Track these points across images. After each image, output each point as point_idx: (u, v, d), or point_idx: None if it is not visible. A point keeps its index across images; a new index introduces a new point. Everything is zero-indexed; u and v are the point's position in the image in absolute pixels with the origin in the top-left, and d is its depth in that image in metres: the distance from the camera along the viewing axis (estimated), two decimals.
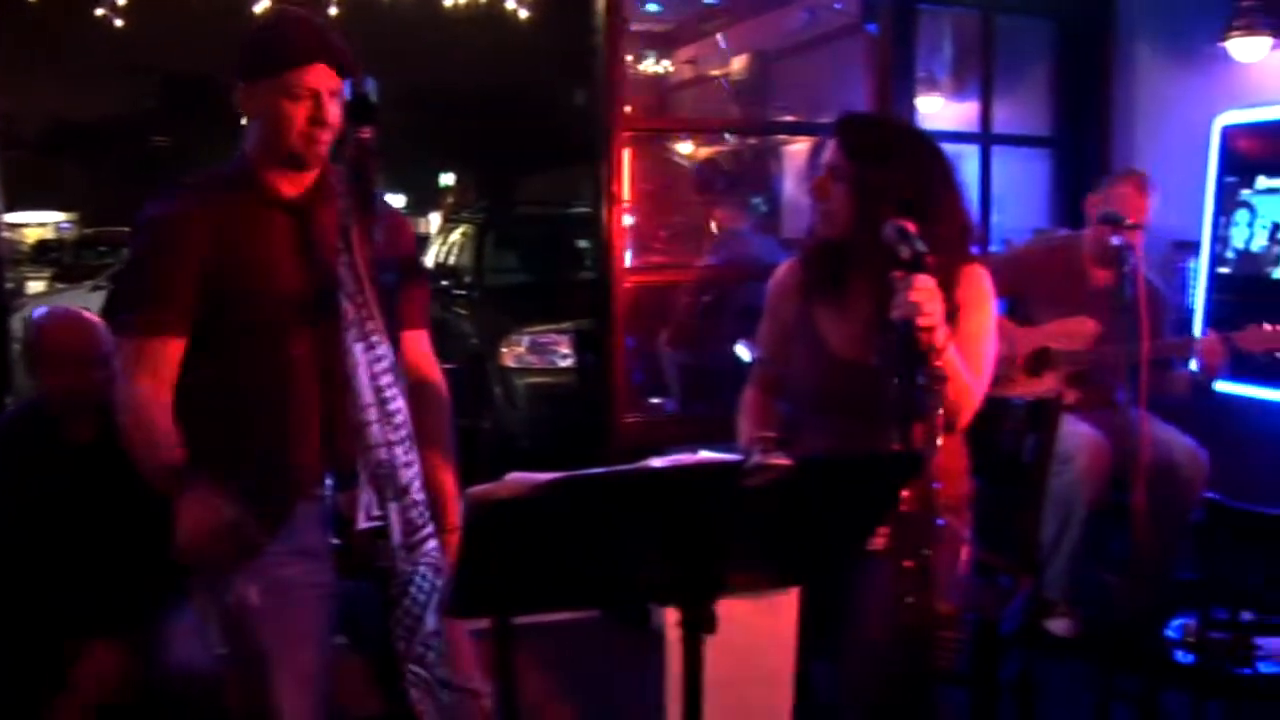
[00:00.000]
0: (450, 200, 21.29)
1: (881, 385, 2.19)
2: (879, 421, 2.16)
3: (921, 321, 2.14)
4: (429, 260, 9.62)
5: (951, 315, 2.48)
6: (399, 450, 2.05)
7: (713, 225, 6.18)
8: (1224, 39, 4.58)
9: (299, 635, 2.16)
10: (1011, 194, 5.81)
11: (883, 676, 2.13)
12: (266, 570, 2.14)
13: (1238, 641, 2.86)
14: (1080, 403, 4.19)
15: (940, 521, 2.07)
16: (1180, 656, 2.92)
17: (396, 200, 29.20)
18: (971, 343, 2.55)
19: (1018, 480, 3.02)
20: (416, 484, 2.07)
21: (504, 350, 6.98)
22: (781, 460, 1.53)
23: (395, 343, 2.08)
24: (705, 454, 1.58)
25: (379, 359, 2.06)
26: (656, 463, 1.55)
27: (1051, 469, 3.77)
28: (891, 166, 2.56)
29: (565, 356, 6.82)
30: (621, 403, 4.60)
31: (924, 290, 2.18)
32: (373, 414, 2.04)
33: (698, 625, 1.72)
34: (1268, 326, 3.87)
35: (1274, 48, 4.52)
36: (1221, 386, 4.49)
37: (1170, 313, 4.28)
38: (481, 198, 18.23)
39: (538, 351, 6.87)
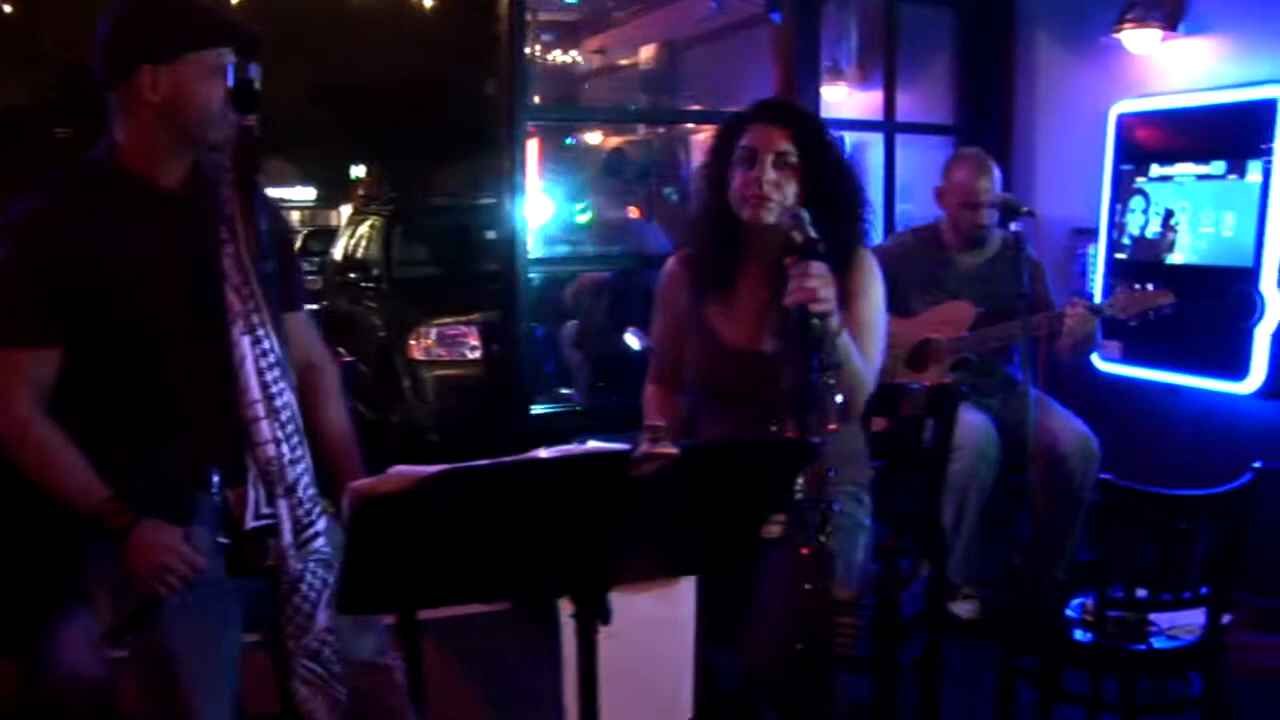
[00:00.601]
0: (361, 192, 21.08)
1: (776, 373, 2.19)
2: (775, 410, 2.16)
3: (816, 308, 2.15)
4: (337, 253, 9.50)
5: (843, 301, 2.50)
6: (285, 447, 2.01)
7: (628, 213, 6.19)
8: (1117, 30, 4.64)
9: (208, 633, 2.12)
10: (916, 182, 5.87)
11: (783, 663, 2.13)
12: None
13: (1133, 619, 2.91)
14: (967, 390, 4.24)
15: (837, 508, 2.07)
16: (1079, 635, 2.94)
17: (307, 192, 28.89)
18: (864, 328, 2.57)
19: (918, 465, 3.04)
20: (305, 480, 2.03)
21: (412, 343, 6.91)
22: (668, 449, 1.52)
23: (281, 334, 2.04)
24: (593, 444, 1.56)
25: (266, 353, 2.01)
26: (543, 453, 1.53)
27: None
28: (828, 156, 2.60)
29: (474, 348, 6.77)
30: (529, 394, 4.58)
31: (819, 277, 2.18)
32: (260, 410, 1.99)
33: (592, 616, 1.71)
34: (1136, 289, 3.93)
35: (1164, 39, 4.60)
36: (1110, 368, 4.59)
37: (1044, 276, 4.32)
38: (392, 189, 18.08)
39: (446, 344, 6.82)
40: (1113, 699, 2.90)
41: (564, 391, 5.95)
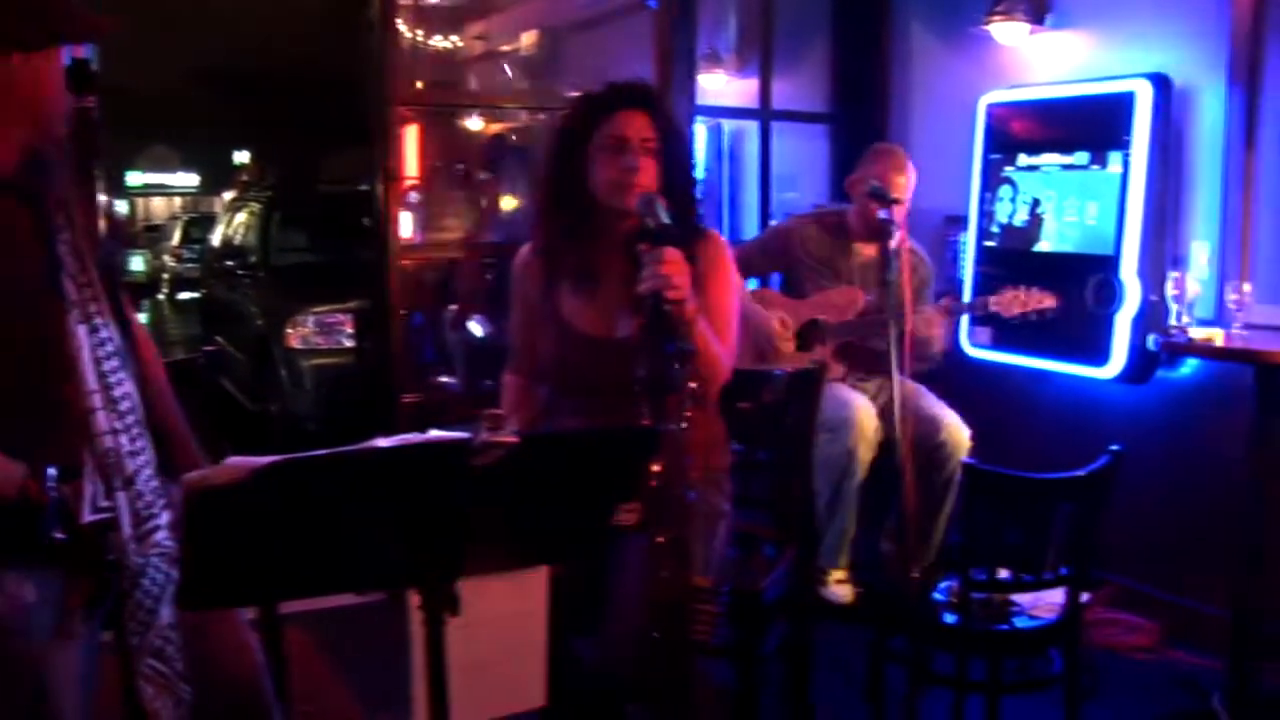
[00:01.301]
0: (244, 178, 20.69)
1: (631, 361, 2.18)
2: (630, 398, 2.15)
3: (671, 294, 2.14)
4: (215, 240, 9.31)
5: (697, 285, 2.50)
6: (125, 438, 1.93)
7: (503, 202, 6.15)
8: (987, 22, 4.71)
9: (68, 633, 2.00)
10: (793, 170, 5.92)
11: (640, 651, 2.12)
12: (35, 567, 1.96)
13: (996, 600, 2.96)
14: (850, 373, 4.30)
15: (692, 495, 2.06)
16: (946, 617, 2.98)
17: (189, 178, 28.25)
18: (716, 312, 2.58)
19: (782, 450, 3.05)
20: (146, 472, 1.95)
21: (290, 331, 6.80)
22: (506, 437, 1.50)
23: (123, 324, 1.96)
24: (435, 432, 1.54)
25: (103, 342, 1.93)
26: (382, 442, 1.50)
27: (822, 437, 3.91)
28: (682, 140, 2.60)
29: (351, 336, 6.68)
30: (403, 382, 4.53)
31: (673, 263, 2.17)
32: (97, 400, 1.90)
33: (439, 607, 1.68)
34: (1021, 290, 4.03)
35: (1032, 32, 4.69)
36: (980, 354, 4.67)
37: (932, 285, 4.41)
38: (274, 176, 17.75)
39: (324, 332, 6.71)
40: (981, 679, 2.95)
41: (442, 379, 5.88)
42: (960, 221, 4.95)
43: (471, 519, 1.61)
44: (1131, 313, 4.18)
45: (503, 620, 1.96)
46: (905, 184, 4.17)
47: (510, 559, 1.81)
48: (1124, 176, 4.18)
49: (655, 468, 2.01)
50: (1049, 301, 4.03)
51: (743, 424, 2.88)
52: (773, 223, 5.27)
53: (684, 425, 2.05)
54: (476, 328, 4.71)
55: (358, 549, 1.62)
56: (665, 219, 2.21)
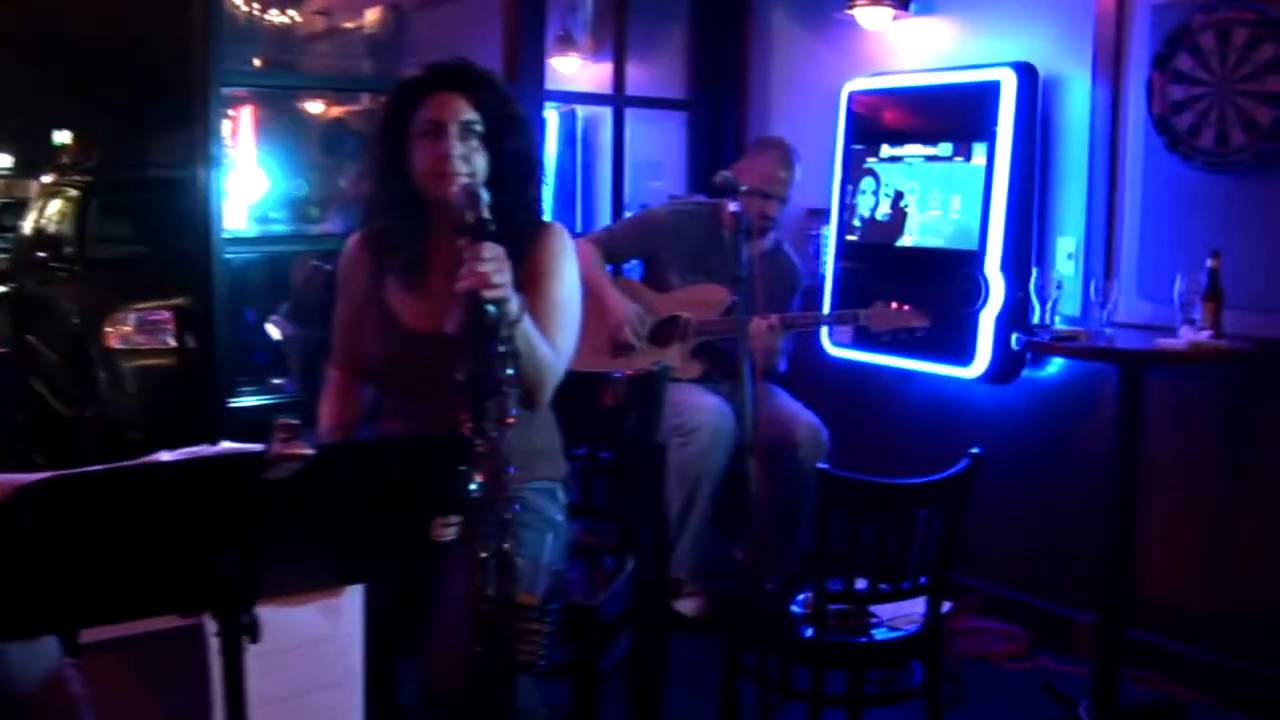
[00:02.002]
0: (65, 160, 20.07)
1: (458, 362, 2.17)
2: (457, 399, 2.14)
3: (489, 294, 2.13)
4: (26, 228, 9.01)
5: (531, 280, 2.50)
6: None
7: (340, 191, 6.07)
8: (850, 6, 4.78)
9: None
10: (649, 159, 5.94)
11: (463, 673, 2.11)
12: None
13: (853, 612, 3.00)
14: (707, 374, 4.34)
15: (517, 507, 2.06)
16: (805, 630, 3.01)
17: (3, 159, 27.31)
18: (552, 311, 2.58)
19: (622, 457, 3.09)
20: None
21: (109, 330, 6.60)
22: (300, 449, 1.48)
23: None
24: (226, 445, 1.51)
25: None
26: (165, 456, 1.47)
27: (675, 441, 3.95)
28: (516, 122, 2.57)
29: (176, 336, 6.51)
30: (230, 385, 4.45)
31: (491, 259, 2.17)
32: None
33: (237, 634, 1.66)
34: (894, 305, 4.11)
35: (896, 18, 4.76)
36: (841, 353, 4.74)
37: (798, 285, 4.46)
38: (98, 158, 17.27)
39: (146, 330, 6.53)
40: (841, 693, 2.99)
41: (276, 382, 5.79)
42: (822, 215, 5.02)
43: (268, 538, 1.59)
44: (996, 310, 4.27)
45: (313, 646, 1.95)
46: (789, 181, 4.22)
47: (317, 580, 1.79)
48: (988, 169, 4.28)
49: (476, 478, 2.01)
50: (921, 321, 4.12)
51: (582, 429, 2.88)
52: (640, 208, 5.28)
53: (507, 432, 2.04)
54: (274, 330, 4.65)
55: (144, 573, 1.58)
56: (486, 212, 2.20)
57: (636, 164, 5.81)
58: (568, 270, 2.66)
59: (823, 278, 4.91)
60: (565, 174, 6.40)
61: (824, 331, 4.79)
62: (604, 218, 5.78)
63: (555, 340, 2.55)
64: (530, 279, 2.55)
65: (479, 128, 2.53)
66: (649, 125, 5.84)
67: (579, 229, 6.43)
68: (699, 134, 5.48)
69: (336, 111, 7.84)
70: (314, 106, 8.01)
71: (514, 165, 2.56)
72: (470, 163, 2.52)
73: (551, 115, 6.32)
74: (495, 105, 2.55)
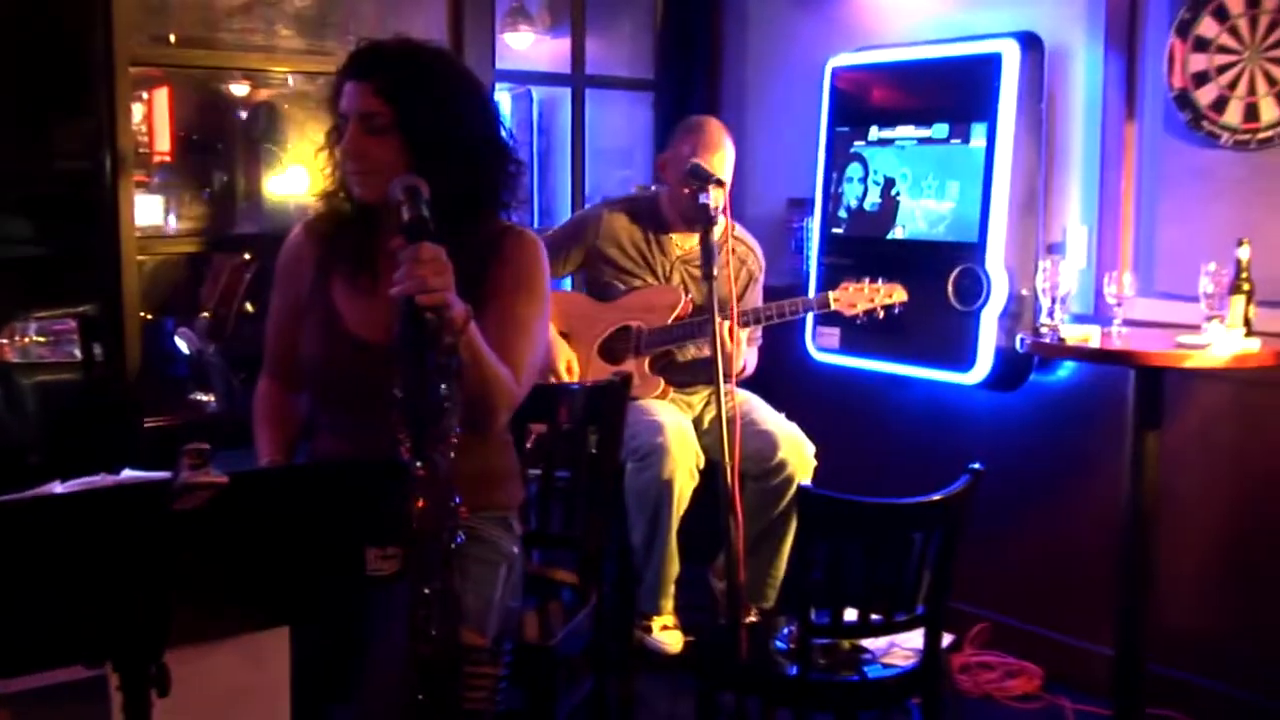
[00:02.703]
0: None
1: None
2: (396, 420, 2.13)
3: (426, 299, 2.13)
4: None
5: (495, 294, 2.52)
6: None
7: (268, 183, 6.04)
8: None
9: None
10: (613, 145, 5.93)
11: None
12: None
13: (843, 647, 3.00)
14: (673, 387, 4.34)
15: (460, 538, 2.05)
16: (789, 668, 3.01)
17: None
18: (514, 325, 2.59)
19: (579, 480, 3.10)
20: None
21: (3, 341, 6.54)
22: (214, 477, 1.46)
23: None
24: (129, 473, 1.50)
25: None
26: (58, 488, 1.45)
27: (630, 466, 3.94)
28: (442, 107, 2.55)
29: (83, 347, 6.46)
30: (147, 403, 4.41)
31: (429, 262, 2.16)
32: None
33: (144, 686, 1.64)
34: (865, 283, 4.12)
35: None
36: (826, 359, 4.74)
37: (759, 272, 4.45)
38: None
39: (48, 341, 6.47)
40: None
41: (198, 398, 5.75)
42: (805, 205, 5.03)
43: (178, 577, 1.57)
44: (998, 309, 4.29)
45: (234, 696, 1.93)
46: (724, 162, 4.21)
47: (237, 623, 1.77)
48: (989, 152, 4.29)
49: (416, 505, 1.99)
50: (898, 295, 4.12)
51: (539, 450, 2.88)
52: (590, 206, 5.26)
53: (450, 455, 2.03)
54: (183, 342, 4.62)
55: (36, 619, 1.56)
56: (424, 210, 2.19)
57: (600, 151, 5.80)
58: (536, 282, 2.67)
59: (806, 275, 4.91)
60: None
61: (808, 335, 4.80)
62: (563, 211, 5.77)
63: (515, 360, 2.55)
64: (495, 292, 2.57)
65: (382, 121, 2.53)
66: (612, 108, 5.84)
67: (535, 223, 6.43)
68: (667, 117, 5.46)
69: (264, 94, 7.78)
70: (240, 89, 7.95)
71: (446, 160, 2.53)
72: (370, 159, 2.53)
73: (504, 98, 6.30)
74: (408, 92, 2.53)
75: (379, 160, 2.52)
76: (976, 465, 2.93)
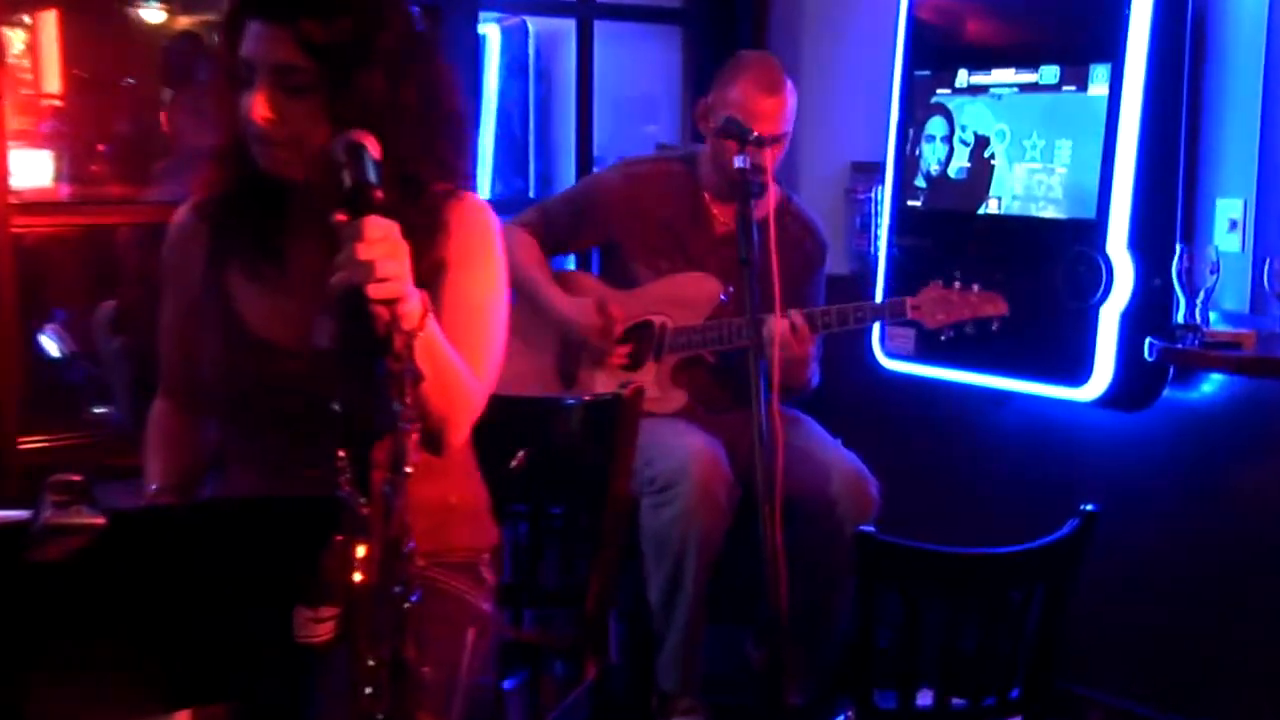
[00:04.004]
0: None
1: (333, 387, 2.15)
2: (333, 441, 2.12)
3: (376, 290, 2.11)
4: None
5: (439, 274, 2.52)
6: None
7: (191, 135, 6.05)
8: None
9: None
10: (633, 94, 5.93)
11: None
12: None
13: None
14: (695, 403, 4.32)
15: (415, 596, 2.03)
16: None
17: None
18: (468, 317, 2.58)
19: (575, 518, 3.13)
20: None
21: None
22: (87, 518, 1.45)
23: None
24: None
25: None
26: None
27: (648, 501, 3.94)
28: (376, 58, 2.53)
29: None
30: (21, 418, 4.42)
31: (379, 242, 2.14)
32: None
33: None
34: (956, 287, 4.10)
35: None
36: (897, 367, 4.73)
37: (821, 261, 4.44)
38: None
39: None
40: None
41: (100, 411, 5.77)
42: (873, 171, 5.03)
43: (37, 649, 1.57)
44: (1122, 305, 4.26)
45: None
46: (778, 113, 4.20)
47: (120, 708, 1.76)
48: (1113, 102, 4.26)
49: (359, 553, 1.98)
50: (996, 306, 4.12)
51: (520, 479, 2.87)
52: (594, 171, 5.27)
53: (404, 487, 2.02)
54: (51, 343, 4.63)
55: None
56: (372, 175, 2.18)
57: (616, 101, 5.81)
58: (490, 260, 2.67)
59: (874, 260, 4.90)
60: (511, 115, 6.38)
61: (875, 336, 4.79)
62: (567, 178, 5.77)
63: (473, 357, 2.55)
64: (437, 271, 2.55)
65: (305, 78, 2.47)
66: (630, 45, 5.85)
67: (533, 192, 6.43)
68: (700, 57, 5.47)
69: (184, 22, 7.81)
70: (152, 14, 7.97)
71: (384, 121, 2.46)
72: (289, 125, 2.48)
73: (491, 31, 6.30)
74: (336, 39, 2.48)
75: (295, 128, 2.49)
76: (1090, 507, 2.92)
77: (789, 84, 4.27)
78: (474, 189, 2.85)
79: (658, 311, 4.34)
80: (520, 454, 3.05)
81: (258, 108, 2.48)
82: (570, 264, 5.04)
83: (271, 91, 2.48)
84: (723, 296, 4.30)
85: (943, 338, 4.19)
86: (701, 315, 4.31)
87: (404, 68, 2.56)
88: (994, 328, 4.14)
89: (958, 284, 4.16)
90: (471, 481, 2.82)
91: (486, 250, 2.68)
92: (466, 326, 2.57)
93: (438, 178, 2.64)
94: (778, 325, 3.75)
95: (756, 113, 4.07)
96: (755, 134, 3.78)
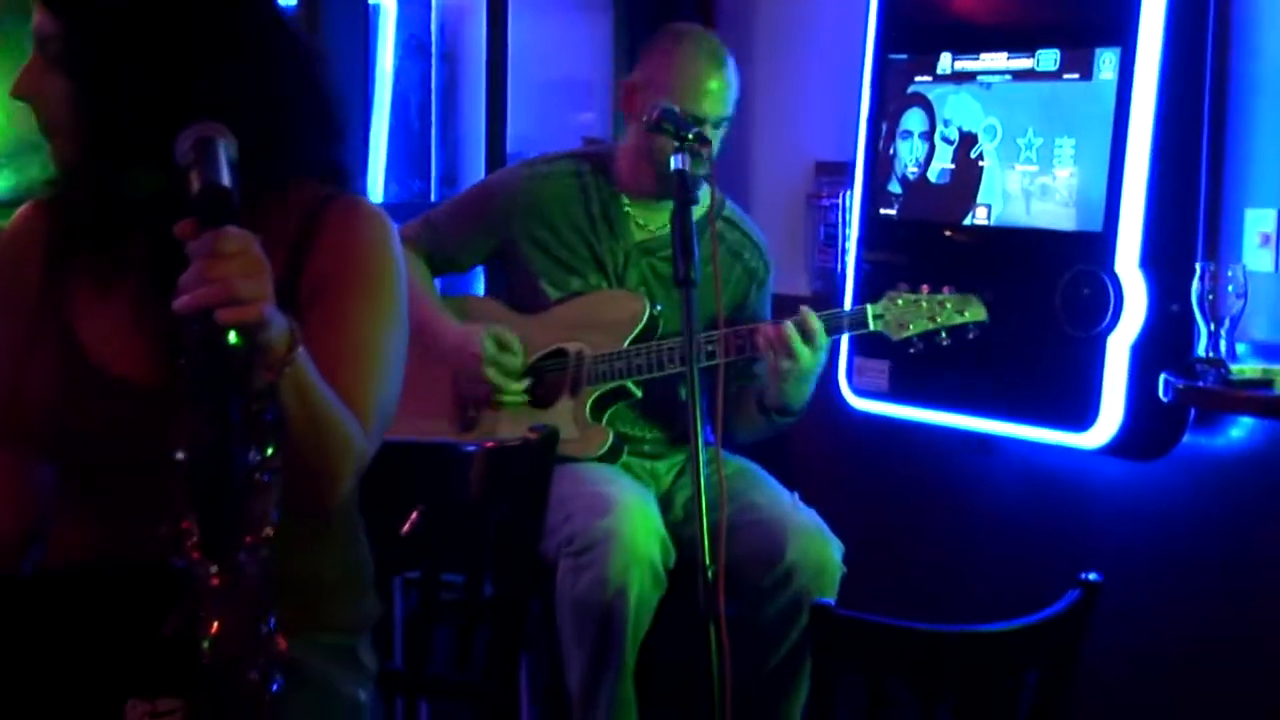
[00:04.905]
0: None
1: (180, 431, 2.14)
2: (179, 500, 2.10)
3: (229, 314, 2.08)
4: None
5: (317, 297, 2.49)
6: None
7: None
8: None
9: None
10: (561, 76, 5.94)
11: None
12: None
13: None
14: (621, 446, 4.31)
15: (278, 683, 2.03)
16: None
17: None
18: (351, 347, 2.54)
19: (480, 590, 3.11)
20: None
21: None
22: None
23: None
24: None
25: None
26: None
27: (565, 565, 3.94)
28: (155, 21, 2.51)
29: None
30: None
31: (235, 257, 2.12)
32: None
33: None
34: (924, 290, 4.09)
35: None
36: (867, 406, 4.73)
37: (767, 275, 4.44)
38: None
39: None
40: None
41: None
42: (839, 173, 5.07)
43: None
44: (1133, 334, 4.28)
45: None
46: (724, 92, 4.21)
47: None
48: (1123, 92, 4.29)
49: (208, 632, 1.97)
50: (973, 312, 4.12)
51: (412, 542, 2.86)
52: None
53: (263, 553, 2.01)
54: None
55: None
56: (226, 176, 2.15)
57: (535, 86, 5.81)
58: (380, 280, 2.62)
59: (840, 278, 4.91)
60: (408, 103, 6.38)
61: (841, 369, 4.81)
62: (475, 177, 5.76)
63: (357, 399, 2.50)
64: (316, 293, 2.52)
65: (55, 47, 2.47)
66: (552, 21, 5.85)
67: (434, 195, 6.41)
68: (636, 34, 5.42)
69: None
70: None
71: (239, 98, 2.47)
72: (51, 106, 2.49)
73: (387, 1, 6.29)
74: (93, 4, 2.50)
75: (48, 110, 2.51)
76: (1093, 576, 2.93)
77: (731, 65, 4.28)
78: (362, 192, 2.82)
79: (572, 337, 4.32)
80: (413, 514, 3.04)
81: (24, 90, 2.50)
82: (479, 286, 5.04)
83: (33, 63, 2.49)
84: (647, 316, 4.27)
85: (911, 350, 4.16)
86: (624, 338, 4.29)
87: (228, 37, 2.53)
88: (971, 336, 4.12)
89: (926, 287, 4.14)
90: (351, 546, 2.76)
91: (376, 267, 2.62)
92: (350, 361, 2.51)
93: (303, 176, 2.61)
94: (775, 330, 3.75)
95: (699, 91, 4.08)
96: (697, 129, 3.79)
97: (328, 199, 2.61)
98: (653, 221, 4.34)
